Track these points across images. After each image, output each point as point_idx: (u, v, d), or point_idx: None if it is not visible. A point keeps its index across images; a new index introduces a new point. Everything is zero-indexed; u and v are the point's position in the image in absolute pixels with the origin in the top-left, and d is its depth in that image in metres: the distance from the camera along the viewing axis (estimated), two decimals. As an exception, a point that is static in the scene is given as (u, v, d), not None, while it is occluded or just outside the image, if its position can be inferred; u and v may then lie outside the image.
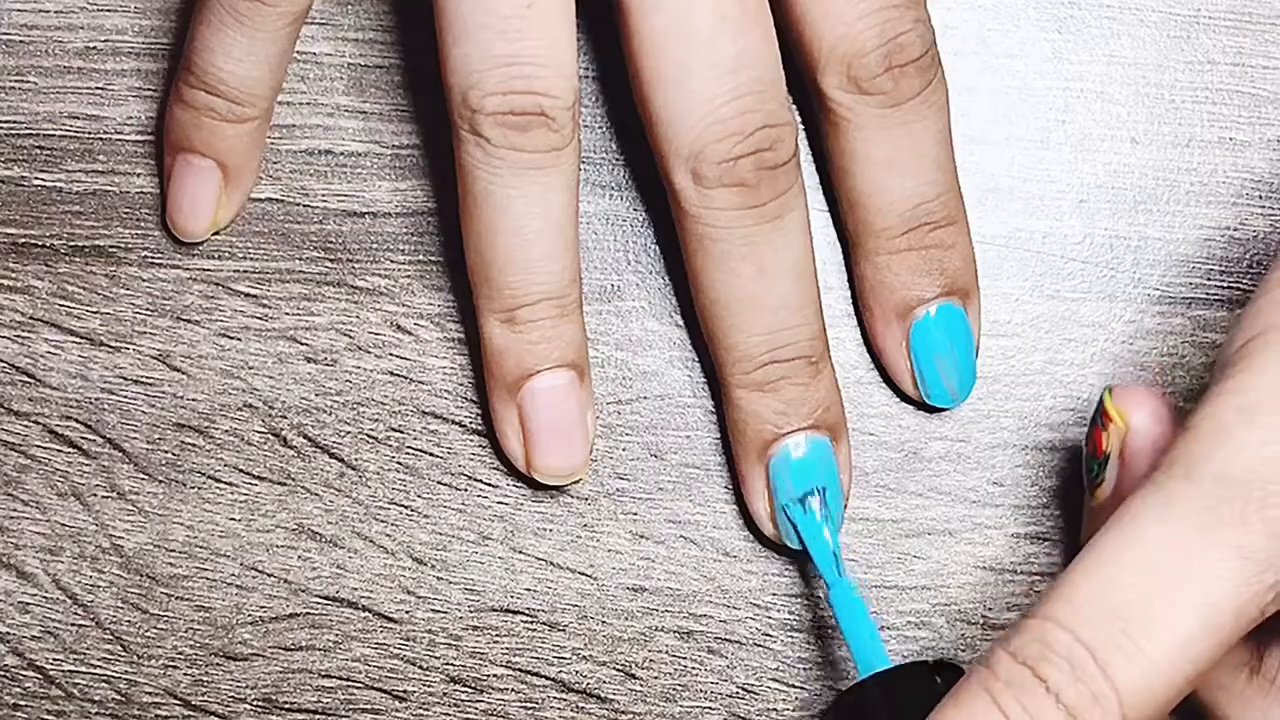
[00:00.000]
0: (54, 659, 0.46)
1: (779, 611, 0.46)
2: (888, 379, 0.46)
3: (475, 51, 0.42)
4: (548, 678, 0.46)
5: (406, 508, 0.46)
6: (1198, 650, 0.36)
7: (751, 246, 0.43)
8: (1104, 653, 0.36)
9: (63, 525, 0.46)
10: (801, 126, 0.46)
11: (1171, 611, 0.36)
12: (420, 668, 0.46)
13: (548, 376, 0.44)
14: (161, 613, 0.46)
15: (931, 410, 0.45)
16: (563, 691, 0.46)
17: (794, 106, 0.46)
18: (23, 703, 0.46)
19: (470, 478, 0.46)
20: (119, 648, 0.46)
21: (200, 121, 0.45)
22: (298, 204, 0.46)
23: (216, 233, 0.46)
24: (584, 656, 0.46)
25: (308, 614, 0.46)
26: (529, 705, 0.46)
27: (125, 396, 0.46)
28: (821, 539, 0.44)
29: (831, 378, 0.45)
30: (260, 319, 0.46)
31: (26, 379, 0.46)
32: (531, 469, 0.45)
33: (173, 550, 0.46)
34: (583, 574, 0.46)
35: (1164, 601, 0.36)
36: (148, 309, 0.46)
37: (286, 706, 0.46)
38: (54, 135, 0.47)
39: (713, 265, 0.44)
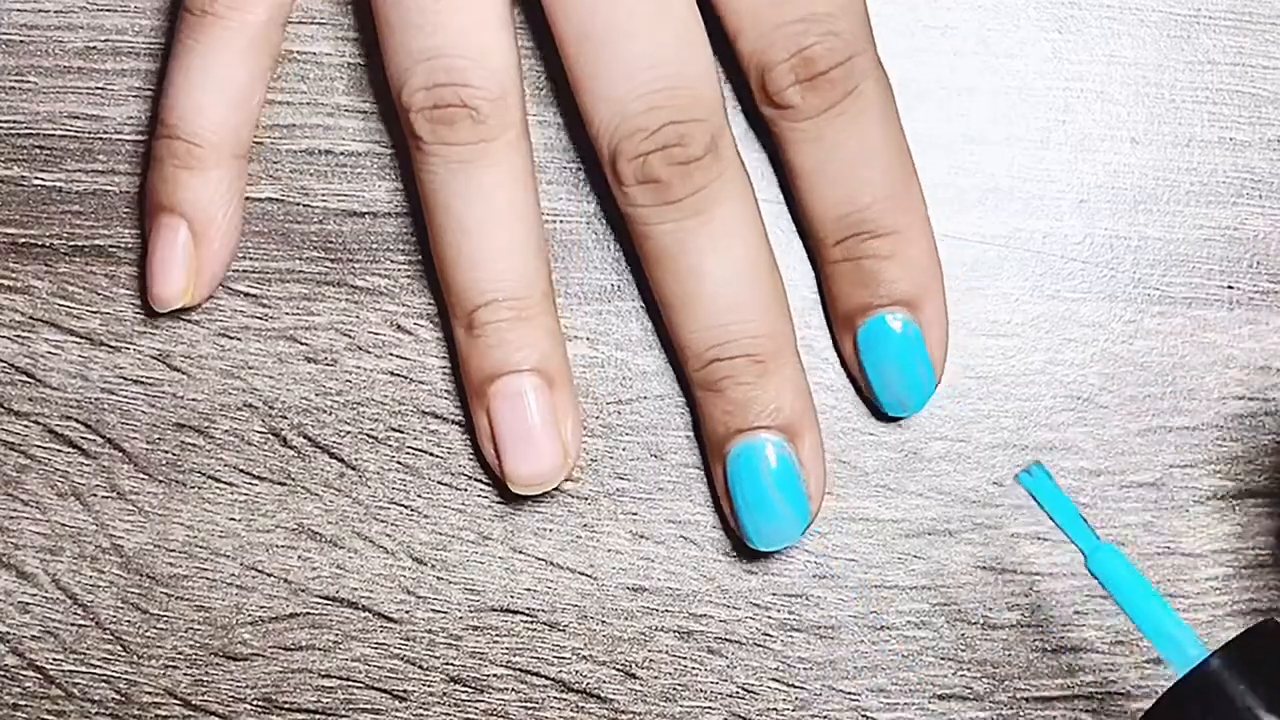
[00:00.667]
0: (54, 659, 0.46)
1: (779, 611, 0.46)
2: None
3: (400, 49, 0.43)
4: (548, 678, 0.46)
5: (406, 508, 0.46)
6: None
7: (679, 243, 0.43)
8: None
9: (63, 525, 0.46)
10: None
11: None
12: (420, 668, 0.46)
13: (510, 381, 0.44)
14: (161, 613, 0.46)
15: (927, 410, 0.46)
16: (563, 691, 0.46)
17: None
18: (23, 703, 0.46)
19: (470, 478, 0.46)
20: (119, 648, 0.46)
21: (165, 173, 0.44)
22: (298, 204, 0.46)
23: (193, 307, 0.45)
24: (584, 656, 0.46)
25: (308, 614, 0.46)
26: (529, 705, 0.46)
27: (125, 396, 0.46)
28: (1066, 504, 0.39)
29: (789, 376, 0.44)
30: (260, 319, 0.46)
31: (26, 379, 0.46)
32: (504, 478, 0.44)
33: (173, 550, 0.46)
34: (583, 574, 0.46)
35: None
36: (148, 309, 0.46)
37: (286, 706, 0.46)
38: (54, 135, 0.47)
39: (651, 264, 0.44)
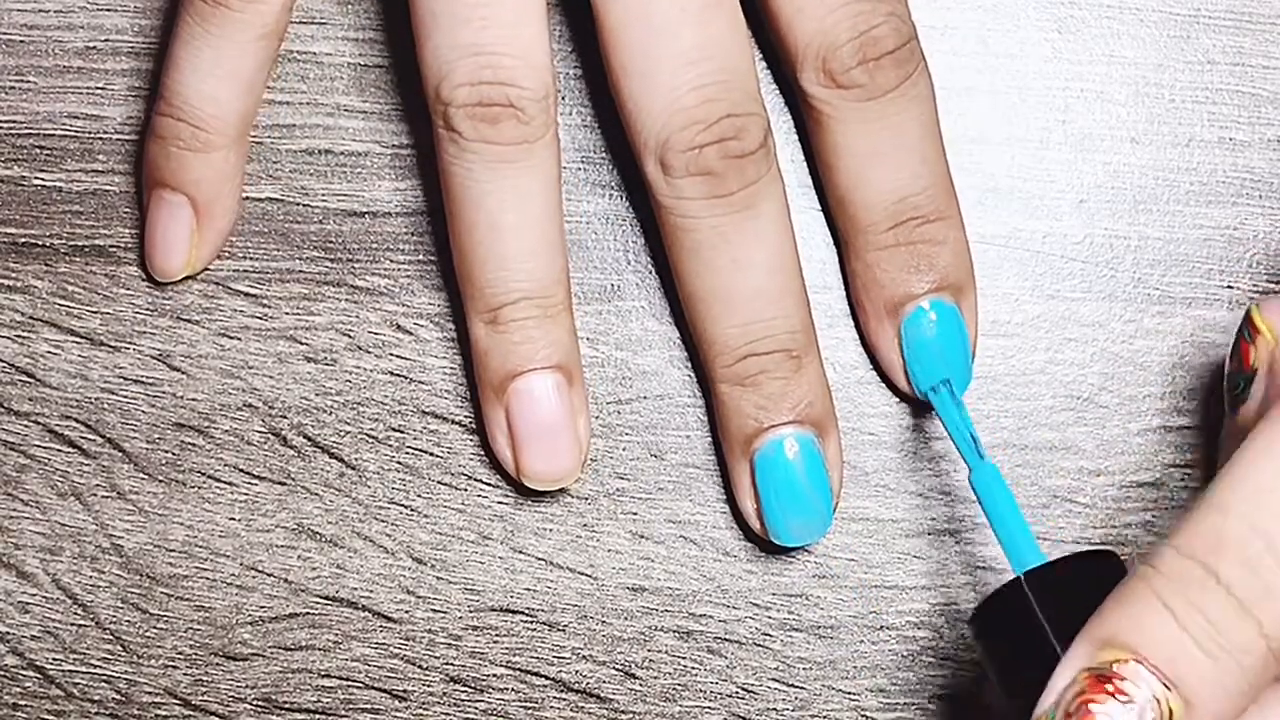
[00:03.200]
0: (54, 659, 0.46)
1: (779, 611, 0.46)
2: (885, 377, 0.46)
3: (444, 43, 0.42)
4: (548, 678, 0.46)
5: (406, 508, 0.46)
6: None
7: (723, 237, 0.43)
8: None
9: (63, 525, 0.46)
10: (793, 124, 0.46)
11: None
12: (420, 668, 0.46)
13: (532, 378, 0.44)
14: (161, 613, 0.46)
15: (931, 408, 0.45)
16: (563, 691, 0.46)
17: (784, 106, 0.46)
18: (23, 703, 0.46)
19: (470, 478, 0.46)
20: (119, 648, 0.46)
21: (168, 152, 0.44)
22: (298, 204, 0.46)
23: (191, 276, 0.46)
24: (584, 656, 0.46)
25: (308, 614, 0.46)
26: (529, 705, 0.46)
27: (125, 396, 0.46)
28: (958, 420, 0.43)
29: (817, 372, 0.44)
30: (260, 319, 0.46)
31: (26, 379, 0.46)
32: (520, 474, 0.44)
33: (173, 550, 0.46)
34: (583, 574, 0.46)
35: None
36: (148, 309, 0.46)
37: (286, 706, 0.46)
38: (54, 135, 0.47)
39: (687, 257, 0.43)
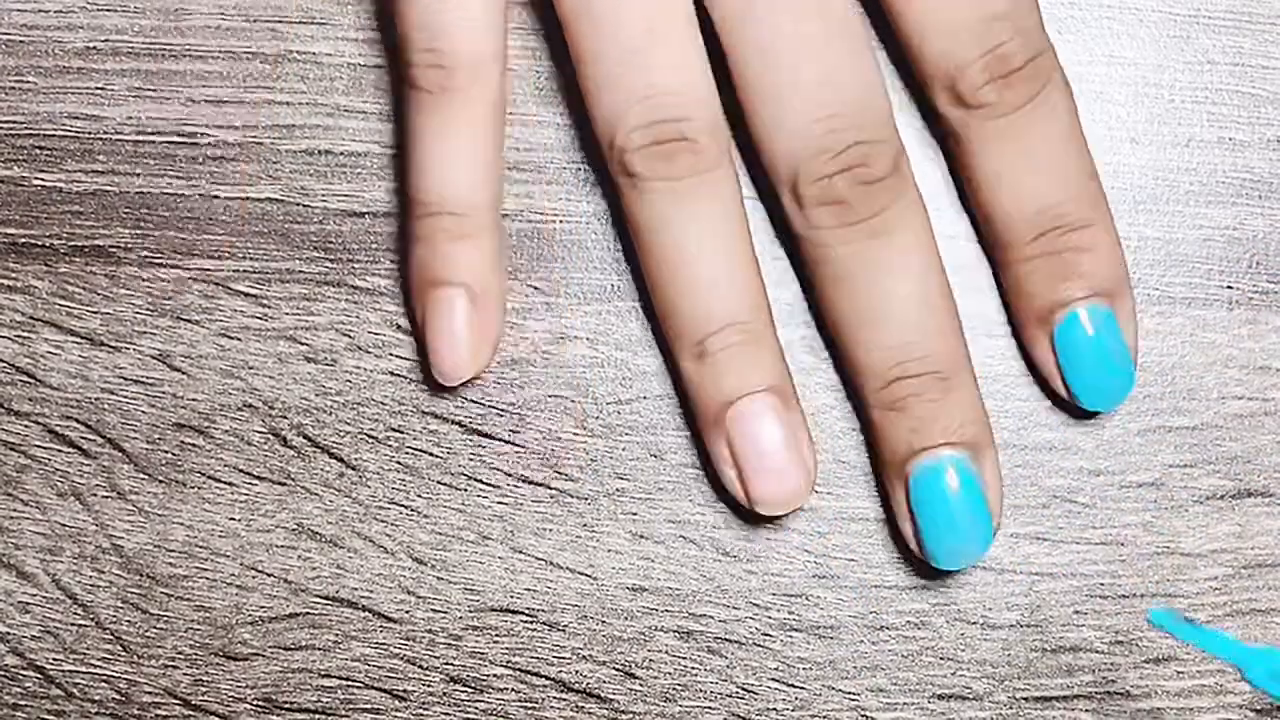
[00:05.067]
0: (54, 659, 0.46)
1: (779, 611, 0.46)
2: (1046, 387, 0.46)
3: (611, 93, 0.42)
4: (548, 678, 0.46)
5: (406, 508, 0.46)
6: None
7: (860, 264, 0.43)
8: None
9: (63, 525, 0.46)
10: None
11: None
12: (420, 668, 0.46)
13: (749, 404, 0.44)
14: (161, 613, 0.46)
15: (1083, 414, 0.45)
16: (563, 691, 0.46)
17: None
18: (23, 703, 0.46)
19: (470, 478, 0.46)
20: (119, 648, 0.46)
21: (435, 249, 0.44)
22: (298, 204, 0.46)
23: (476, 378, 0.45)
24: (584, 656, 0.46)
25: (308, 614, 0.46)
26: (529, 705, 0.46)
27: (125, 396, 0.46)
28: (1209, 635, 0.43)
29: (970, 392, 0.44)
30: (260, 319, 0.46)
31: (26, 379, 0.46)
32: (751, 502, 0.44)
33: (173, 550, 0.46)
34: (583, 574, 0.46)
35: None
36: (148, 309, 0.46)
37: (286, 706, 0.46)
38: (54, 135, 0.47)
39: (828, 285, 0.44)
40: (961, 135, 0.44)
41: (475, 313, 0.44)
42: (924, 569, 0.46)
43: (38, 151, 0.47)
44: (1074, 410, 0.46)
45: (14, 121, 0.47)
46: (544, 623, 0.46)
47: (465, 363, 0.44)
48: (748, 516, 0.46)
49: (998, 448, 0.45)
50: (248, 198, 0.46)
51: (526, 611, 0.46)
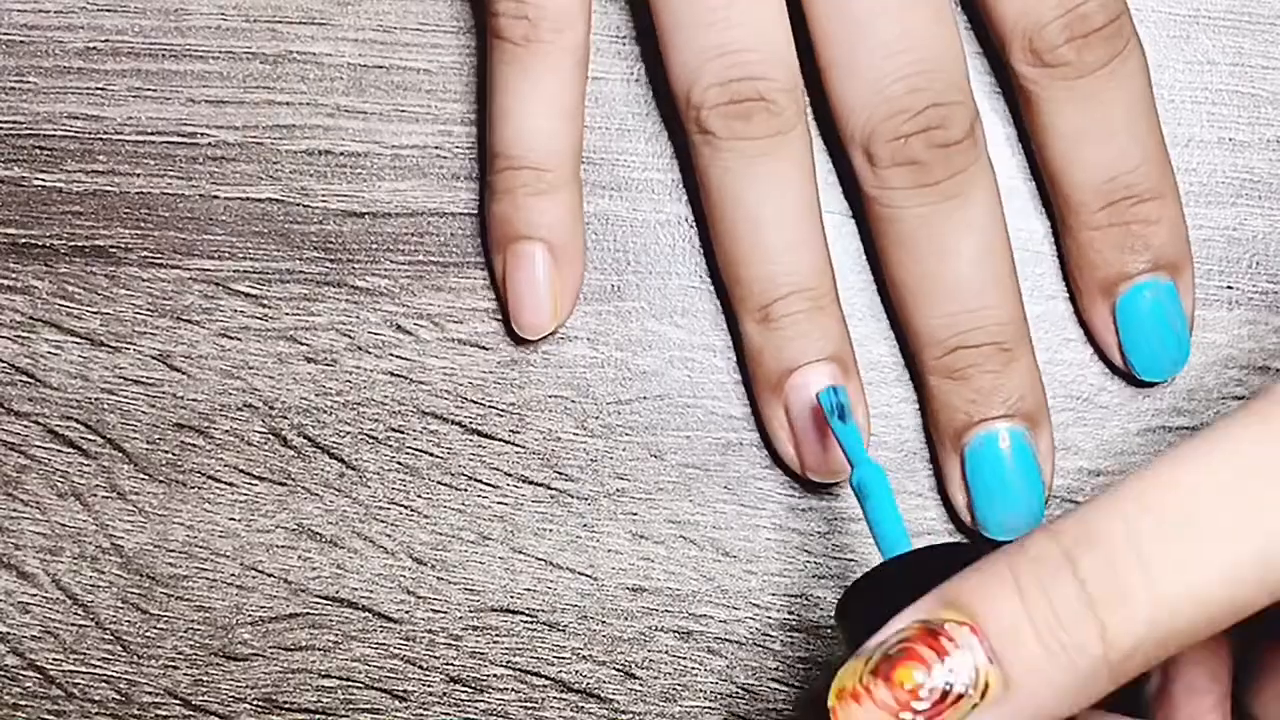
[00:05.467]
0: (54, 659, 0.46)
1: (779, 611, 0.46)
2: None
3: (689, 49, 0.42)
4: (548, 678, 0.46)
5: (406, 508, 0.46)
6: (1251, 577, 0.33)
7: (930, 227, 0.43)
8: (1152, 548, 0.33)
9: (63, 525, 0.46)
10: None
11: (1235, 530, 0.33)
12: (420, 668, 0.46)
13: (809, 372, 0.44)
14: (161, 613, 0.46)
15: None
16: (563, 691, 0.46)
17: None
18: (23, 703, 0.46)
19: (470, 478, 0.46)
20: (119, 648, 0.46)
21: (516, 202, 0.44)
22: (298, 204, 0.46)
23: (536, 343, 0.45)
24: (584, 656, 0.46)
25: (308, 614, 0.46)
26: (529, 705, 0.46)
27: (125, 396, 0.46)
28: (848, 424, 0.42)
29: (1029, 364, 0.44)
30: (260, 319, 0.46)
31: (26, 379, 0.46)
32: (804, 468, 0.44)
33: (173, 550, 0.46)
34: (583, 574, 0.46)
35: (1230, 518, 0.33)
36: (148, 309, 0.46)
37: (286, 706, 0.46)
38: (54, 135, 0.47)
39: (894, 247, 0.43)
40: (1035, 96, 0.43)
41: (556, 267, 0.44)
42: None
43: (38, 151, 0.47)
44: (1074, 410, 0.46)
45: (14, 121, 0.47)
46: (544, 623, 0.46)
47: (546, 317, 0.45)
48: (748, 516, 0.46)
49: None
50: (248, 198, 0.46)
51: (526, 611, 0.46)
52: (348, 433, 0.46)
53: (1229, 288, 0.46)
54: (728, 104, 0.42)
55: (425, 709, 0.46)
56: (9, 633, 0.46)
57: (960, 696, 0.34)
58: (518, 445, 0.46)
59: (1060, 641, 0.34)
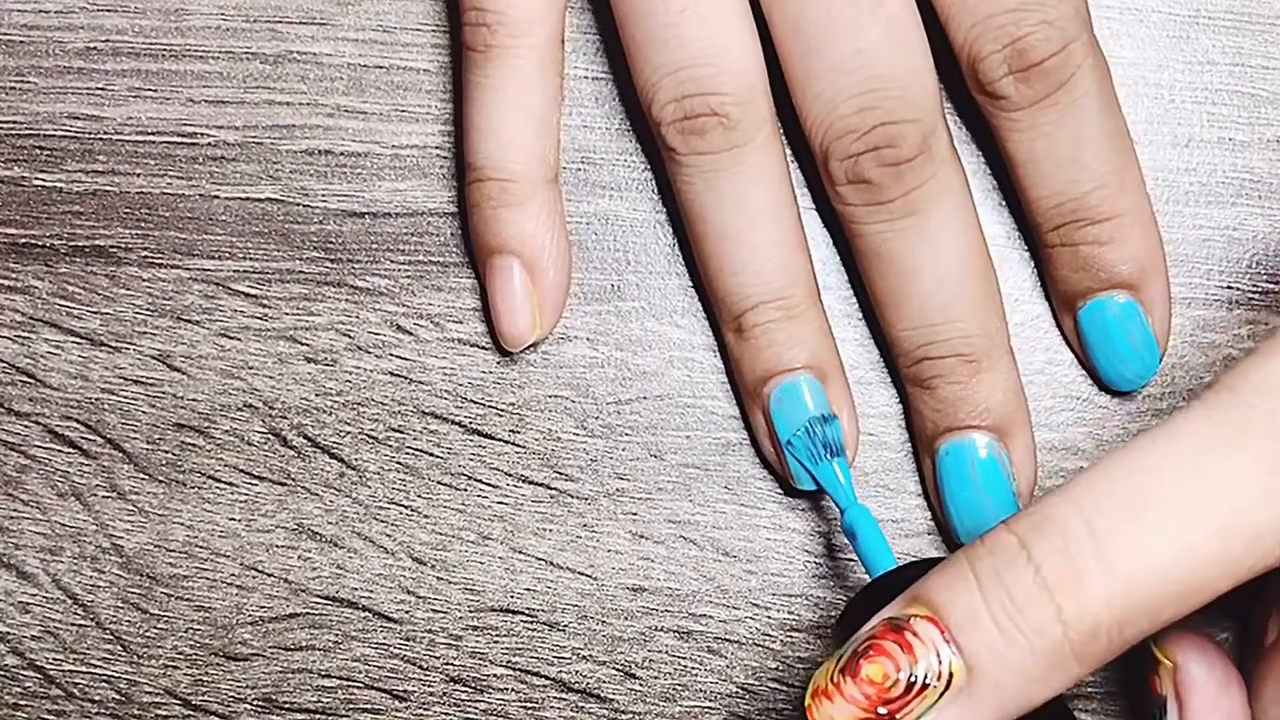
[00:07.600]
0: (54, 659, 0.46)
1: (779, 611, 0.46)
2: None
3: (647, 65, 0.43)
4: (548, 678, 0.46)
5: (406, 508, 0.46)
6: (1208, 553, 0.34)
7: (889, 244, 0.43)
8: (1106, 526, 0.34)
9: (63, 525, 0.46)
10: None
11: (1188, 506, 0.34)
12: (420, 668, 0.46)
13: (784, 380, 0.44)
14: (161, 613, 0.46)
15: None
16: (563, 691, 0.46)
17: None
18: (23, 703, 0.46)
19: (470, 478, 0.46)
20: (119, 648, 0.46)
21: (485, 216, 0.44)
22: (298, 204, 0.46)
23: (534, 344, 0.45)
24: (584, 656, 0.46)
25: (308, 614, 0.46)
26: (529, 705, 0.46)
27: (125, 396, 0.46)
28: (828, 469, 0.43)
29: (1001, 375, 0.44)
30: (260, 319, 0.46)
31: (26, 379, 0.46)
32: (790, 478, 0.45)
33: (173, 550, 0.46)
34: (583, 574, 0.46)
35: (1183, 494, 0.34)
36: (148, 309, 0.46)
37: (286, 706, 0.46)
38: (54, 135, 0.47)
39: (860, 259, 0.44)
40: (991, 121, 0.44)
41: (532, 278, 0.44)
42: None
43: (38, 151, 0.47)
44: (1074, 410, 0.46)
45: (14, 121, 0.47)
46: (544, 623, 0.46)
47: (525, 328, 0.45)
48: (748, 516, 0.46)
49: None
50: (248, 198, 0.46)
51: (526, 611, 0.46)
52: (348, 433, 0.46)
53: (1229, 288, 0.46)
54: (682, 120, 0.42)
55: (425, 709, 0.46)
56: (9, 633, 0.46)
57: (925, 687, 0.35)
58: (518, 445, 0.46)
59: (1017, 625, 0.35)
